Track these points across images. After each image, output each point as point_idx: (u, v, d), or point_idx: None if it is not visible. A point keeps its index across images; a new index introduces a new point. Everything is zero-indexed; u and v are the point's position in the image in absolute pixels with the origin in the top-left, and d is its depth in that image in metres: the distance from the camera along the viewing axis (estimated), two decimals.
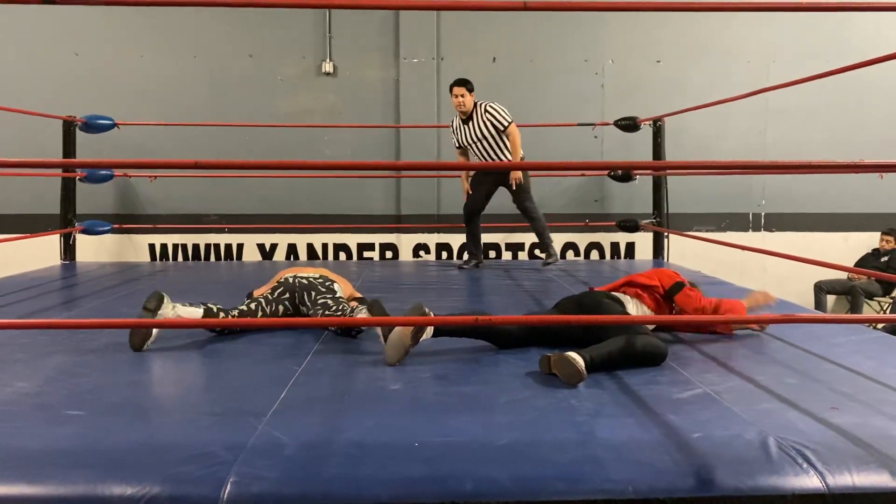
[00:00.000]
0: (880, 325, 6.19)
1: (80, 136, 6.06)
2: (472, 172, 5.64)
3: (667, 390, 2.46)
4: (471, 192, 5.59)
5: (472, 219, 5.63)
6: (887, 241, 6.80)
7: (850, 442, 1.99)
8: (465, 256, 5.88)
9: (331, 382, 2.57)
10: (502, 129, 5.32)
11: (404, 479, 1.78)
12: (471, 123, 5.38)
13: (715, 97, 5.23)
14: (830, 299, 6.96)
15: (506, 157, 5.37)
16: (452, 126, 5.55)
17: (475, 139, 5.39)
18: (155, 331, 3.00)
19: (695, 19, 6.87)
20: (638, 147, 6.61)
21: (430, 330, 2.88)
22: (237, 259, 6.90)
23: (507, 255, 7.00)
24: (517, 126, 5.37)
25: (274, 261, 6.84)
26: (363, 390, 2.48)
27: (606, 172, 6.48)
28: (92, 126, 5.91)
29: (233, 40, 6.76)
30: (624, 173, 6.30)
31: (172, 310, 3.03)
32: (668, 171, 6.26)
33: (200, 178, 6.58)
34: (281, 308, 3.39)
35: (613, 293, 3.24)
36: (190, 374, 2.71)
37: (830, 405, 2.30)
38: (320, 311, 3.25)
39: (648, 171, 6.36)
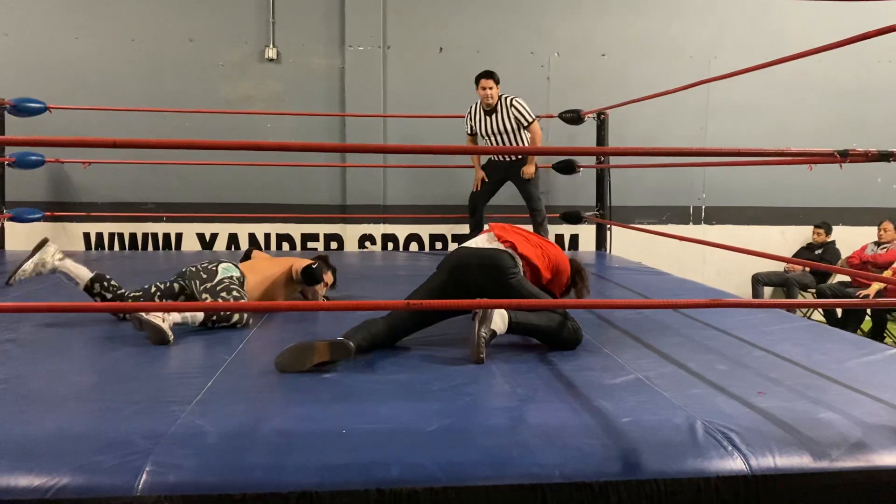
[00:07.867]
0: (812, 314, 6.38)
1: (11, 121, 5.81)
2: (484, 161, 5.64)
3: (599, 376, 2.47)
4: (486, 181, 5.61)
5: (476, 210, 5.64)
6: (818, 233, 7.04)
7: (774, 425, 2.02)
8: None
9: (261, 371, 2.50)
10: (526, 125, 5.37)
11: (328, 466, 1.74)
12: (494, 115, 5.38)
13: (657, 92, 5.30)
14: (767, 291, 7.13)
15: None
16: (470, 113, 5.53)
17: (496, 131, 5.40)
18: (31, 264, 2.96)
19: (639, 15, 6.95)
20: (582, 140, 6.65)
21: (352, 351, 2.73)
22: (176, 249, 6.72)
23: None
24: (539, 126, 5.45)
25: (214, 251, 6.69)
26: (295, 378, 2.42)
27: (551, 164, 6.51)
28: (21, 109, 5.63)
29: (172, 24, 6.56)
30: (568, 166, 6.34)
31: (59, 259, 2.99)
32: (611, 164, 6.31)
33: (137, 165, 6.38)
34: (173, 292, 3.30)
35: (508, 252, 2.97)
36: (114, 362, 2.61)
37: (758, 390, 2.34)
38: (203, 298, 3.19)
39: (592, 164, 6.41)
